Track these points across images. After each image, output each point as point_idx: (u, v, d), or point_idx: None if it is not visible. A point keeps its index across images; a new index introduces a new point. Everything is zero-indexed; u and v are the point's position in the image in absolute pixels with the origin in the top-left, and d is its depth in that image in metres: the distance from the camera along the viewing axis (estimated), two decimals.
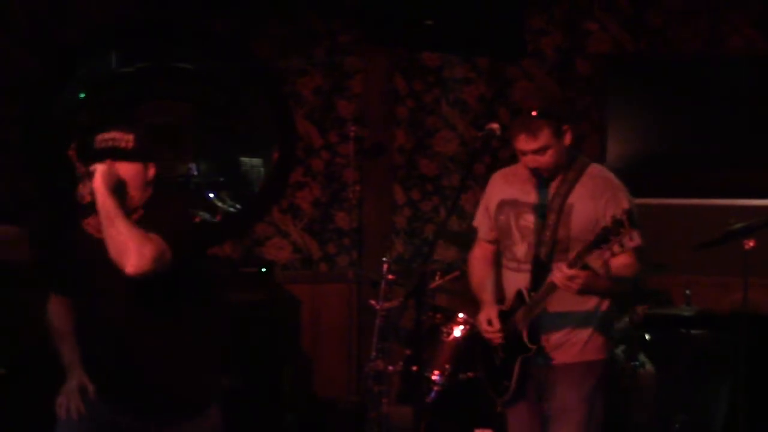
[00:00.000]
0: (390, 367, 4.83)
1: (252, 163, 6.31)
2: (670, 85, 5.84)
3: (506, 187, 3.73)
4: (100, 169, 3.18)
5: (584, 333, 3.61)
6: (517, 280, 3.65)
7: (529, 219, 3.61)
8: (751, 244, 4.43)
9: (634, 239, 3.21)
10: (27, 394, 4.43)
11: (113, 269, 3.14)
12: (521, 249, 3.64)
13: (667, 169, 5.76)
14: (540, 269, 3.56)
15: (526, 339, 3.55)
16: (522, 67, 6.01)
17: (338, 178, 6.08)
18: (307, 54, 5.98)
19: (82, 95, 6.15)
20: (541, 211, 3.59)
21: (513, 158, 3.76)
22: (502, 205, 3.72)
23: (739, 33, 5.82)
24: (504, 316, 3.64)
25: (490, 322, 3.61)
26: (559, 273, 3.31)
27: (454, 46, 5.67)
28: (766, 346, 4.95)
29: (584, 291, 3.39)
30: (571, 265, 3.31)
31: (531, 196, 3.63)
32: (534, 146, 3.49)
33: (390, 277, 4.90)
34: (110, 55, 6.10)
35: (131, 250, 3.10)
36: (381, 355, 4.83)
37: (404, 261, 6.11)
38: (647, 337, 4.96)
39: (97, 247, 3.21)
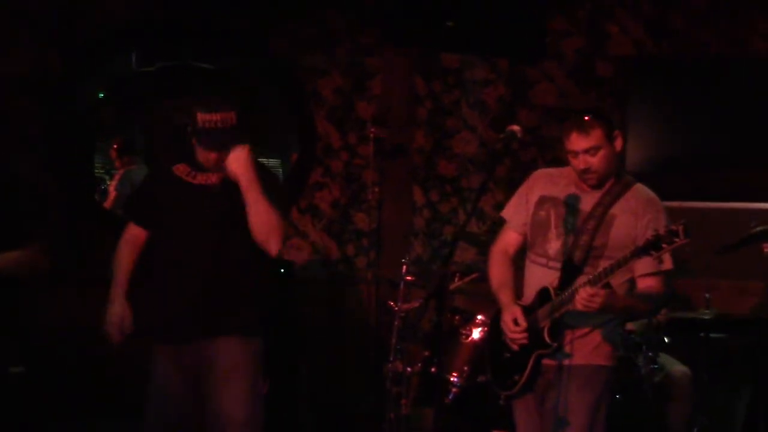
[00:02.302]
0: (408, 369, 4.84)
1: (270, 164, 6.26)
2: (691, 88, 5.83)
3: (550, 185, 3.73)
4: (243, 153, 3.55)
5: (598, 336, 3.61)
6: (543, 276, 3.64)
7: (569, 220, 3.60)
8: None
9: (665, 263, 3.33)
10: (43, 392, 4.59)
11: (199, 211, 3.63)
12: (554, 246, 3.63)
13: (687, 172, 5.76)
14: (571, 270, 3.56)
15: (546, 337, 3.54)
16: (542, 69, 6.02)
17: (357, 179, 6.09)
18: (327, 54, 6.00)
19: (101, 95, 6.28)
20: (582, 215, 3.60)
21: (533, 162, 3.96)
22: (544, 200, 3.71)
23: (760, 35, 5.82)
24: (525, 311, 3.64)
25: (516, 322, 3.59)
26: (581, 293, 3.34)
27: (474, 47, 5.72)
28: None
29: (604, 311, 3.41)
30: (592, 283, 3.33)
31: (575, 199, 3.65)
32: (586, 145, 3.51)
33: (409, 278, 4.92)
34: (131, 53, 6.18)
35: (277, 234, 3.60)
36: (399, 357, 4.85)
37: (423, 262, 6.09)
38: (666, 340, 4.94)
39: (188, 190, 3.69)
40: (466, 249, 5.88)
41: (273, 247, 3.60)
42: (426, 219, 6.21)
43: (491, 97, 6.10)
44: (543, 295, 3.60)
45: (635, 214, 3.53)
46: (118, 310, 3.74)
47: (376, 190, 5.78)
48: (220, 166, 3.63)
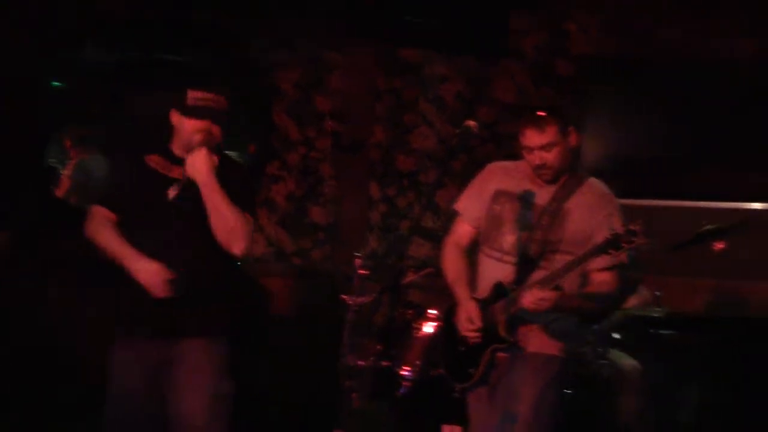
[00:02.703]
0: (361, 363, 4.81)
1: None
2: (650, 87, 5.83)
3: (506, 178, 3.70)
4: (202, 154, 3.43)
5: (552, 328, 3.59)
6: (498, 270, 3.61)
7: (524, 215, 3.59)
8: (721, 246, 4.45)
9: (620, 257, 3.30)
10: (18, 389, 4.58)
11: (172, 204, 3.46)
12: (509, 241, 3.61)
13: (642, 171, 5.76)
14: (526, 265, 3.55)
15: (502, 332, 3.52)
16: (502, 66, 6.04)
17: (314, 173, 6.05)
18: (287, 48, 6.03)
19: (56, 84, 6.23)
20: (537, 209, 3.57)
21: (490, 158, 3.81)
22: (499, 194, 3.68)
23: (720, 35, 5.85)
24: (481, 306, 3.60)
25: (471, 320, 3.56)
26: (530, 296, 3.33)
27: (435, 44, 5.82)
28: (734, 348, 4.99)
29: (554, 311, 3.41)
30: (542, 285, 3.33)
31: (530, 194, 3.62)
32: (541, 141, 3.50)
33: (363, 272, 4.51)
34: (95, 45, 6.21)
35: (240, 235, 3.47)
36: (352, 351, 4.51)
37: (378, 256, 6.03)
38: (617, 336, 4.93)
39: (162, 182, 3.51)
40: (421, 244, 5.84)
41: (236, 248, 3.53)
42: (382, 213, 6.17)
43: (450, 93, 6.10)
44: (498, 289, 3.59)
45: (590, 209, 3.52)
46: (152, 266, 3.55)
47: (333, 183, 5.84)
48: (208, 146, 3.55)
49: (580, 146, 3.67)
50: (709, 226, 4.56)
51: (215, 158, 3.51)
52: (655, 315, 4.95)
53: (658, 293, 4.98)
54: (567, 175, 3.60)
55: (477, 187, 3.77)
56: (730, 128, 5.69)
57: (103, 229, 3.62)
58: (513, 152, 3.67)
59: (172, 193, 3.51)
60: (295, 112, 6.08)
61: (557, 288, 3.34)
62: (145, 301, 3.55)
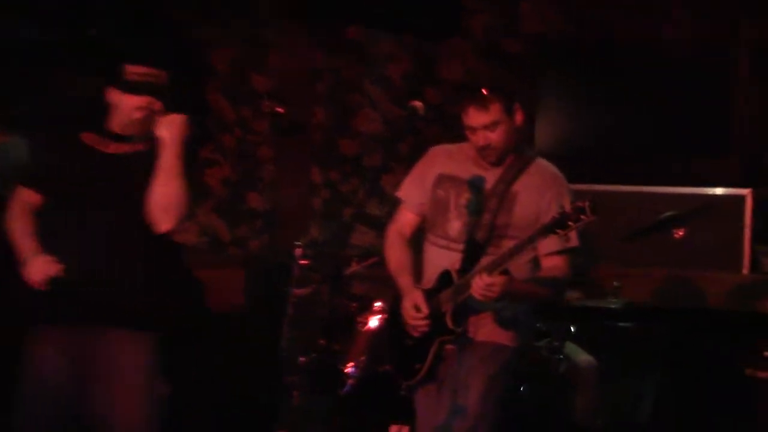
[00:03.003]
0: (302, 359, 4.69)
1: None
2: (603, 69, 5.81)
3: (449, 162, 3.63)
4: (179, 120, 3.38)
5: (502, 317, 3.54)
6: (444, 259, 3.55)
7: (470, 198, 3.52)
8: (681, 233, 4.39)
9: (571, 240, 3.28)
10: None
11: (108, 181, 3.40)
12: (455, 227, 3.55)
13: (597, 155, 5.73)
14: (473, 252, 3.49)
15: (449, 322, 3.44)
16: (449, 46, 5.93)
17: (251, 157, 5.90)
18: (222, 24, 5.89)
19: None
20: (483, 193, 3.52)
21: (437, 141, 3.73)
22: (443, 179, 3.62)
23: (672, 19, 5.83)
24: (427, 296, 3.53)
25: (417, 308, 3.48)
26: (477, 283, 3.26)
27: (380, 22, 5.73)
28: (693, 340, 4.93)
29: (505, 298, 3.33)
30: (489, 270, 3.26)
31: (474, 177, 3.55)
32: (484, 120, 3.43)
33: (304, 262, 4.72)
34: (18, 22, 5.84)
35: (174, 213, 3.37)
36: (293, 346, 4.69)
37: (320, 245, 5.91)
38: (572, 329, 4.75)
39: (97, 159, 3.45)
40: (365, 232, 5.84)
41: (165, 224, 3.38)
42: (324, 200, 6.06)
43: (396, 73, 6.01)
44: (444, 278, 3.51)
45: (539, 191, 3.48)
46: (38, 262, 3.43)
47: (272, 168, 5.71)
48: (144, 128, 3.45)
49: (526, 126, 3.65)
50: (668, 213, 4.50)
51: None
52: (612, 306, 4.88)
53: (616, 284, 4.91)
54: (513, 156, 3.55)
55: (419, 172, 3.70)
56: (685, 112, 5.73)
57: (15, 219, 3.52)
58: (461, 134, 3.58)
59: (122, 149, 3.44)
60: (231, 92, 5.94)
61: (505, 272, 3.27)
62: (68, 283, 3.42)
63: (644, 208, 4.99)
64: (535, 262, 3.53)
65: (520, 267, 3.44)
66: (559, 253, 3.47)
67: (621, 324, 4.91)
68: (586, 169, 5.23)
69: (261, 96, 5.76)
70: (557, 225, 3.15)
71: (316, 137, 6.06)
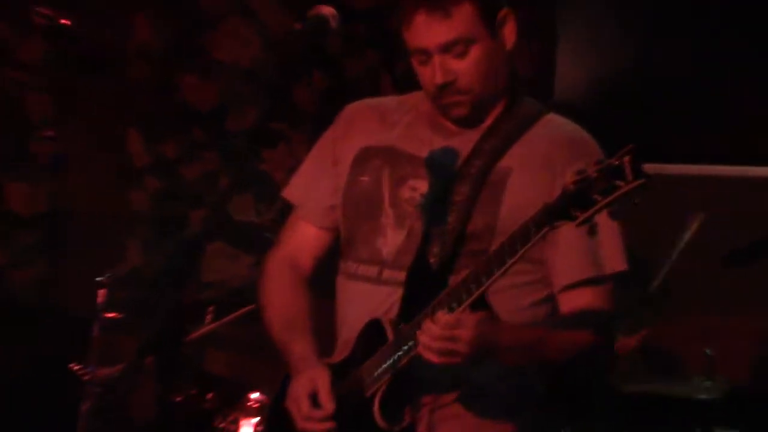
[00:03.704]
0: None
1: None
2: None
3: (379, 126, 2.71)
4: None
5: (484, 404, 2.56)
6: (372, 300, 2.60)
7: (420, 187, 2.61)
8: None
9: (610, 261, 2.40)
10: None
11: None
12: (393, 242, 2.62)
13: (660, 116, 4.45)
14: (423, 284, 2.54)
15: (378, 416, 2.49)
16: None
17: (13, 108, 4.55)
18: None
19: None
20: (445, 176, 2.61)
21: (365, 82, 3.82)
22: (368, 155, 2.68)
23: None
24: (337, 374, 2.59)
25: (315, 401, 2.52)
26: (429, 329, 2.36)
27: None
28: None
29: (480, 358, 2.40)
30: (448, 305, 2.37)
31: (426, 148, 2.62)
32: (443, 36, 2.51)
33: (111, 315, 3.75)
34: None
35: None
36: None
37: (145, 280, 4.62)
38: None
39: None
40: (231, 256, 4.63)
41: None
42: (151, 194, 4.70)
43: None
44: (371, 334, 2.58)
45: (548, 167, 2.52)
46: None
47: (50, 135, 4.44)
48: None
49: (530, 56, 3.56)
50: None
51: None
52: (703, 396, 3.70)
53: (708, 352, 3.78)
54: (501, 105, 2.62)
55: (325, 151, 2.77)
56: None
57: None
58: (414, 81, 2.61)
59: None
60: None
61: (480, 306, 2.38)
62: None
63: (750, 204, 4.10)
64: (546, 306, 2.55)
65: (509, 298, 2.51)
66: (588, 283, 2.50)
67: (719, 430, 3.75)
68: (641, 138, 3.36)
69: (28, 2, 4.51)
70: (573, 201, 2.18)
71: (133, 80, 4.70)
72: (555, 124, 2.64)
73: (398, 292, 2.60)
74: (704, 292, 4.13)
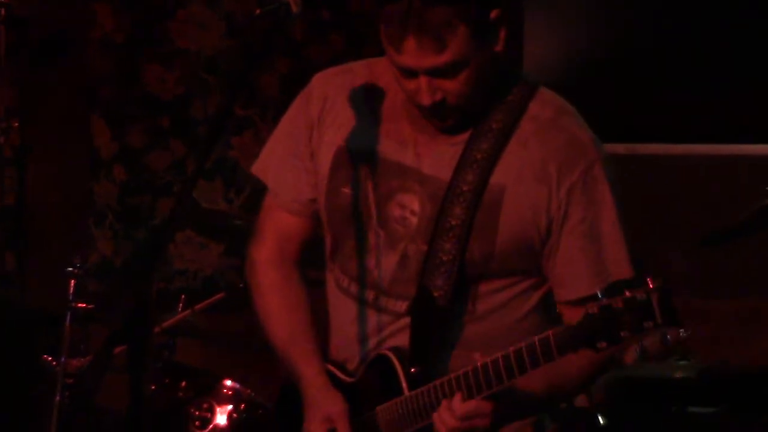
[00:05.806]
0: None
1: None
2: None
3: (354, 114, 2.50)
4: None
5: None
6: (367, 324, 2.56)
7: (409, 204, 2.46)
8: None
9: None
10: None
11: None
12: (386, 266, 2.49)
13: (638, 93, 4.50)
14: (428, 319, 2.47)
15: None
16: None
17: None
18: None
19: None
20: (435, 191, 2.45)
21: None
22: (348, 161, 2.49)
23: None
24: (349, 399, 2.49)
25: None
26: (444, 417, 2.32)
27: None
28: None
29: (500, 424, 2.37)
30: (467, 393, 2.32)
31: (410, 151, 2.45)
32: (435, 62, 2.30)
33: (82, 305, 3.69)
34: None
35: None
36: None
37: (115, 270, 4.65)
38: (601, 420, 3.63)
39: None
40: (202, 245, 4.62)
41: None
42: (120, 184, 4.72)
43: None
44: (382, 372, 2.48)
45: (543, 180, 2.39)
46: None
47: (14, 126, 4.38)
48: None
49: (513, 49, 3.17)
50: None
51: None
52: (678, 375, 3.68)
53: (682, 333, 3.15)
54: (489, 100, 2.46)
55: (299, 136, 2.57)
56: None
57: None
58: (379, 49, 2.38)
59: None
60: None
61: (494, 397, 2.32)
62: None
63: (730, 182, 4.14)
64: (545, 311, 2.46)
65: (509, 324, 2.43)
66: (594, 297, 2.39)
67: (694, 409, 3.74)
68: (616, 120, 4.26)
69: None
70: (598, 330, 2.11)
71: (99, 68, 4.71)
72: (545, 115, 2.47)
73: (398, 324, 2.53)
74: (680, 274, 4.08)
